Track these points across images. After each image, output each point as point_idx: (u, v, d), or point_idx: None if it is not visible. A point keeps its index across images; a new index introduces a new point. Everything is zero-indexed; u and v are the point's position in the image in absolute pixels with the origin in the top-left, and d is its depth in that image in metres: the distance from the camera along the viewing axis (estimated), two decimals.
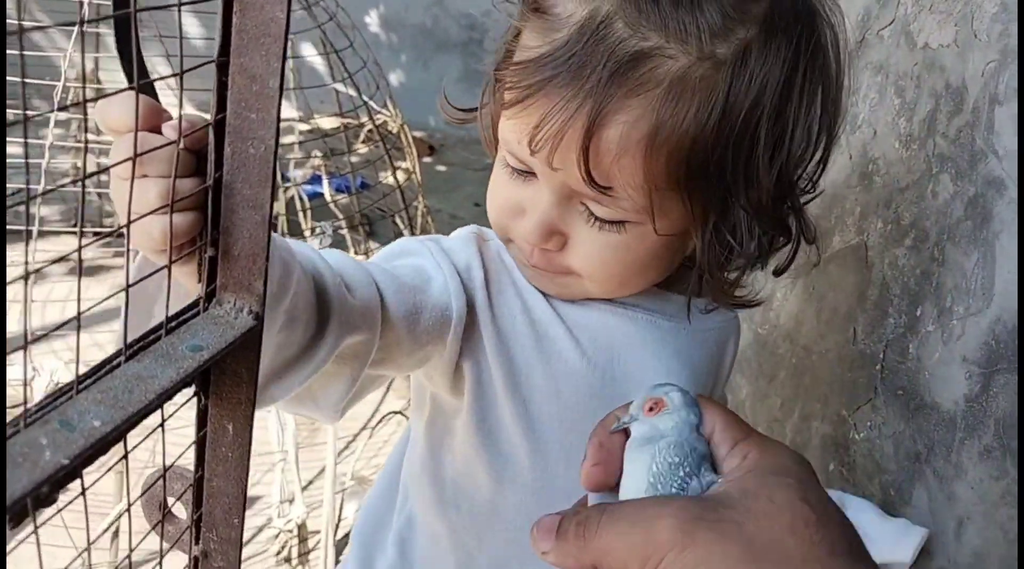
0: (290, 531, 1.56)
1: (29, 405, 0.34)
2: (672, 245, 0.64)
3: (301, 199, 2.73)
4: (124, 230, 0.41)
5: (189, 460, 0.48)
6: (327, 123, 3.65)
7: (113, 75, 2.81)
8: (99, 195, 2.75)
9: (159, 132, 0.41)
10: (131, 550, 0.50)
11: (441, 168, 4.28)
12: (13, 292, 2.53)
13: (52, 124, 2.16)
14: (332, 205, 2.63)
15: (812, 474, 0.46)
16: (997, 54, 0.82)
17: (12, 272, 2.70)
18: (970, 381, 0.81)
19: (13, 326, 2.39)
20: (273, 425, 1.72)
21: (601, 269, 0.64)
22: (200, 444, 0.46)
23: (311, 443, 2.04)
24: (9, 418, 0.32)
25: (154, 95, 0.55)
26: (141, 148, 0.38)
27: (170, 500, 0.49)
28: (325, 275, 0.53)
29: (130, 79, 0.43)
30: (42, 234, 2.20)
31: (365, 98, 1.88)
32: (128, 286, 0.39)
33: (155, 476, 0.49)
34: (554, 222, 0.62)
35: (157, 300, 0.45)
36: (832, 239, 1.06)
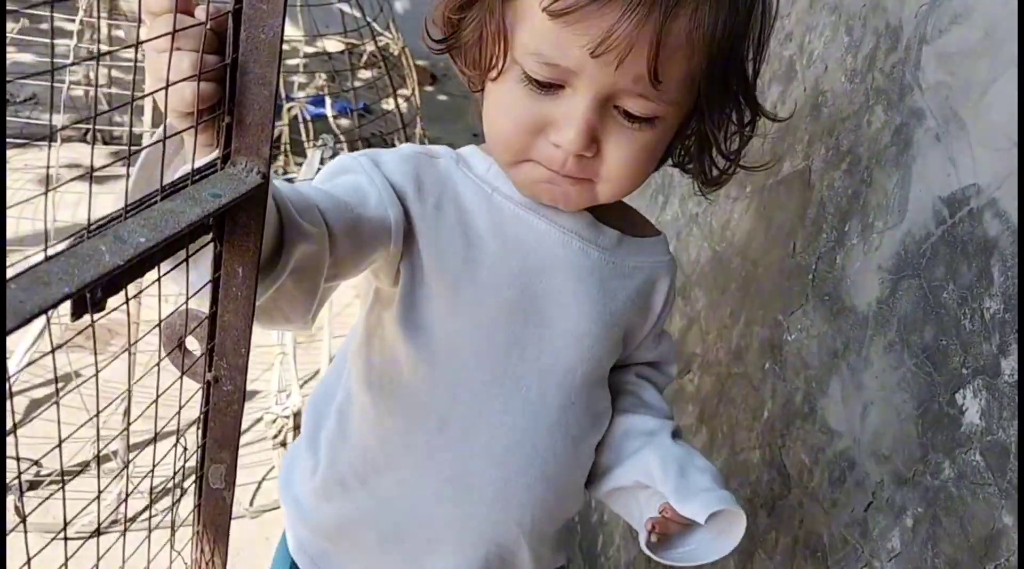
0: (287, 418, 1.70)
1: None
2: (665, 145, 0.74)
3: (304, 119, 2.82)
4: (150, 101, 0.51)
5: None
6: (332, 46, 3.71)
7: None
8: (109, 104, 2.84)
9: (191, 15, 0.50)
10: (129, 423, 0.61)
11: (443, 98, 4.34)
12: (25, 196, 2.63)
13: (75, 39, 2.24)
14: (334, 126, 2.73)
15: None
16: None
17: (30, 174, 2.80)
18: (882, 286, 0.94)
19: (28, 226, 2.50)
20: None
21: (628, 170, 0.70)
22: (214, 285, 0.54)
23: (308, 342, 2.17)
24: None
25: None
26: (178, 26, 0.47)
27: (189, 339, 0.57)
28: (278, 196, 0.58)
29: None
30: (57, 140, 2.29)
31: (368, 19, 1.96)
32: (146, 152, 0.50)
33: (175, 316, 0.57)
34: (594, 127, 0.67)
35: (157, 168, 0.53)
36: (783, 165, 1.18)
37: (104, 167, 0.47)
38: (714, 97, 0.71)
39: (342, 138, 2.87)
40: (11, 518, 1.64)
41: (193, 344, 0.57)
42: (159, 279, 0.49)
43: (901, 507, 0.87)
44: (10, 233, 2.43)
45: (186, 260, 0.51)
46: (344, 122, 3.09)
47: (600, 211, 0.80)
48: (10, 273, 0.37)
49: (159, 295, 0.50)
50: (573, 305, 0.79)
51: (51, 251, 0.40)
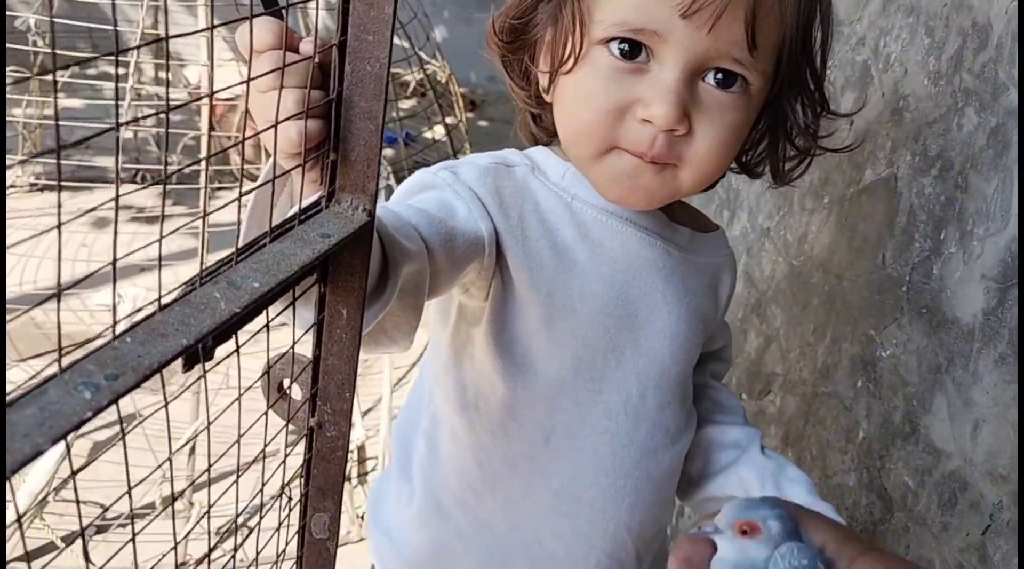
0: (350, 452, 1.68)
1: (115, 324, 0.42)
2: (747, 130, 0.72)
3: None
4: (244, 142, 0.49)
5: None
6: None
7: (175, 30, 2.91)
8: (157, 145, 2.87)
9: (295, 50, 0.48)
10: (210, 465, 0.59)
11: (483, 123, 4.35)
12: (82, 237, 2.66)
13: (129, 83, 2.27)
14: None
15: None
16: None
17: (82, 218, 2.84)
18: (987, 296, 0.89)
19: (83, 267, 2.53)
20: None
21: (717, 150, 0.68)
22: (318, 327, 0.52)
23: (367, 373, 2.15)
24: (97, 341, 0.37)
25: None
26: (280, 64, 0.45)
27: (286, 381, 0.55)
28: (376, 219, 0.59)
29: (266, 6, 0.51)
30: (106, 182, 2.31)
31: (416, 49, 1.96)
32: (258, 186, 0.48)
33: (275, 361, 0.54)
34: (685, 100, 0.65)
35: (266, 209, 0.52)
36: (864, 172, 1.13)
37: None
38: (793, 75, 0.70)
39: (389, 169, 2.88)
40: (81, 565, 1.62)
41: (295, 389, 0.55)
42: (267, 324, 0.46)
43: None
44: (65, 275, 2.45)
45: (292, 303, 0.49)
46: (388, 152, 3.09)
47: (669, 211, 0.80)
48: (117, 324, 0.35)
49: (267, 340, 0.48)
50: (663, 306, 0.78)
51: (165, 299, 0.38)
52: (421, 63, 2.03)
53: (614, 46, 0.65)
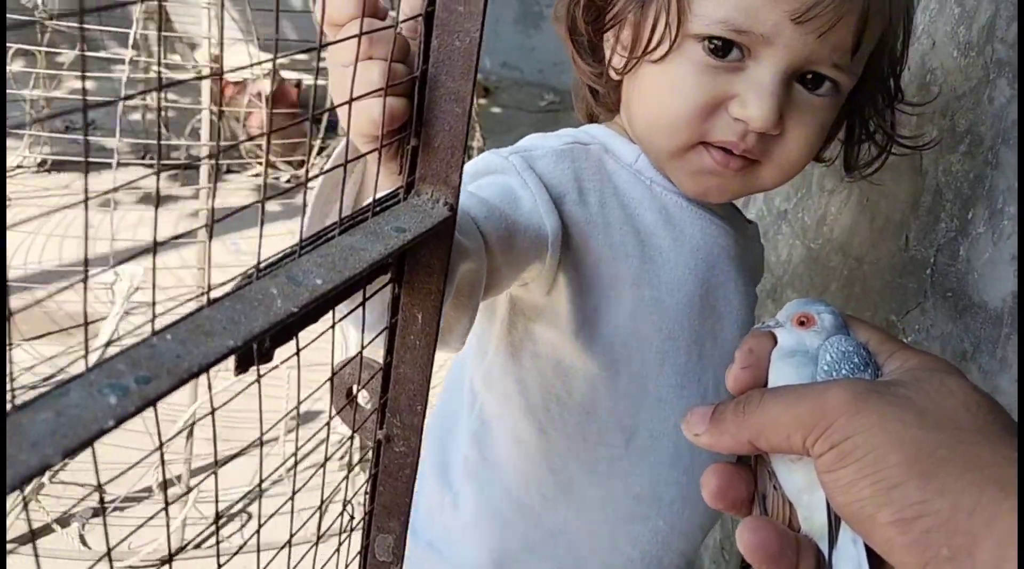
0: (350, 439, 1.64)
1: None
2: (830, 127, 0.70)
3: None
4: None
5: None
6: None
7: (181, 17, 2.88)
8: (166, 127, 2.84)
9: (381, 19, 0.44)
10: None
11: (496, 110, 4.31)
12: (89, 217, 2.63)
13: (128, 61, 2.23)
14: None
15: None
16: None
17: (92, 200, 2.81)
18: (1017, 278, 0.84)
19: (89, 247, 2.50)
20: (338, 343, 1.80)
21: (804, 150, 0.66)
22: (390, 332, 0.48)
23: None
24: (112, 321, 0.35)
25: None
26: (365, 33, 0.40)
27: (355, 387, 0.50)
28: None
29: None
30: (114, 165, 2.29)
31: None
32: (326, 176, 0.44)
33: (343, 365, 0.49)
34: (782, 102, 0.63)
35: (333, 206, 0.48)
36: None
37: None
38: (879, 72, 0.70)
39: None
40: (78, 547, 1.60)
41: (364, 397, 0.51)
42: (333, 326, 0.42)
43: None
44: (74, 255, 2.43)
45: (363, 304, 0.44)
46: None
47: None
48: (156, 322, 0.31)
49: (332, 342, 0.43)
50: (735, 295, 0.76)
51: (215, 293, 0.33)
52: None
53: (709, 42, 0.62)
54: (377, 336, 0.47)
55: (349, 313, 0.43)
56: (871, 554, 0.41)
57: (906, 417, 0.39)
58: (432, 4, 0.40)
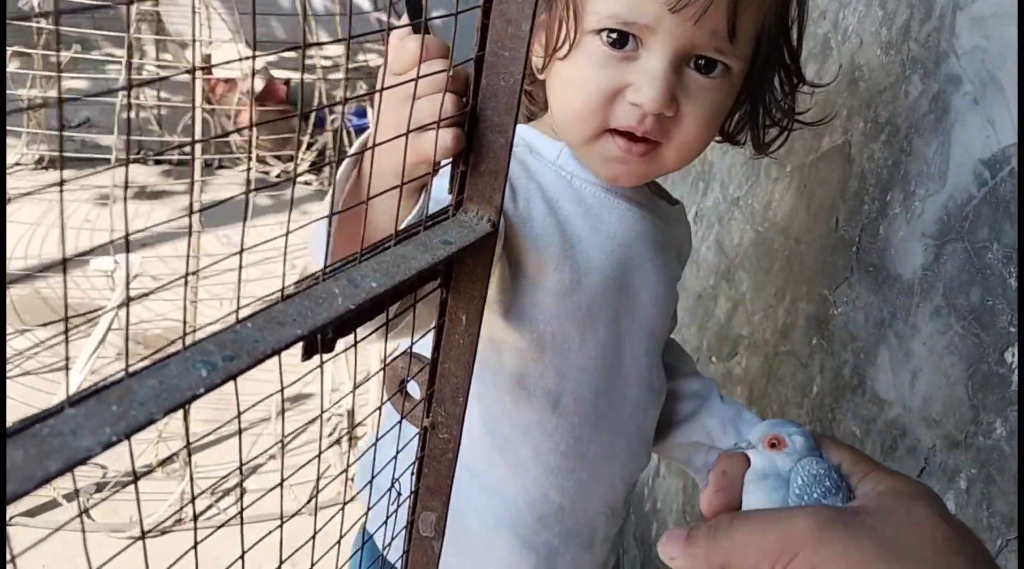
0: (340, 415, 1.74)
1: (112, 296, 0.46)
2: (728, 109, 0.77)
3: (348, 131, 2.87)
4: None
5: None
6: (374, 61, 3.76)
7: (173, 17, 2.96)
8: (159, 124, 2.93)
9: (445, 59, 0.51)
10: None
11: None
12: (85, 211, 2.72)
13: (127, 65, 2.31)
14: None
15: (943, 503, 0.47)
16: None
17: (84, 194, 2.91)
18: (926, 252, 0.94)
19: (86, 238, 2.59)
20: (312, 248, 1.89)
21: (701, 129, 0.72)
22: (437, 331, 0.54)
23: (361, 349, 2.21)
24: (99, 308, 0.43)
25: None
26: (428, 78, 0.47)
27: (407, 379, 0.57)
28: None
29: (413, 17, 0.55)
30: (107, 161, 2.37)
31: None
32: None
33: (398, 358, 0.56)
34: (673, 85, 0.69)
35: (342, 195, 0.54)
36: (823, 140, 1.18)
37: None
38: (771, 55, 0.75)
39: None
40: (74, 516, 1.69)
41: (414, 388, 0.57)
42: (387, 323, 0.48)
43: (954, 470, 0.87)
44: (70, 247, 2.52)
45: (413, 305, 0.51)
46: None
47: (650, 184, 0.86)
48: (235, 312, 0.37)
49: (385, 338, 0.50)
50: (652, 275, 0.84)
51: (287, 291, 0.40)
52: None
53: (605, 36, 0.69)
54: (425, 334, 0.52)
55: (400, 312, 0.50)
56: None
57: (870, 548, 0.40)
58: (482, 49, 0.46)
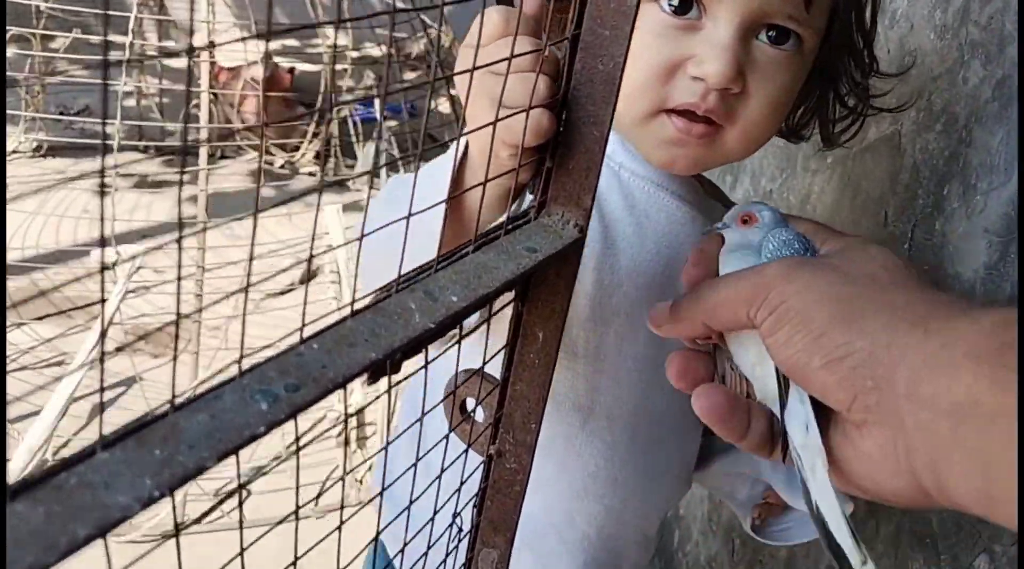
0: (350, 415, 1.68)
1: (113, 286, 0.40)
2: (797, 90, 0.70)
3: (354, 123, 2.81)
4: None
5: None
6: (377, 52, 3.70)
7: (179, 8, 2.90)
8: (160, 113, 2.86)
9: (536, 37, 0.44)
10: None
11: None
12: (84, 201, 2.66)
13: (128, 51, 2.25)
14: (384, 127, 2.71)
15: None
16: None
17: (84, 183, 2.84)
18: (990, 250, 0.88)
19: (84, 232, 2.53)
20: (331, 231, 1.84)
21: (769, 110, 0.65)
22: (509, 349, 0.48)
23: None
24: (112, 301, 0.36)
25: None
26: (517, 50, 0.40)
27: (471, 401, 0.51)
28: None
29: None
30: (108, 150, 2.31)
31: (420, 14, 1.95)
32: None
33: (462, 377, 0.50)
34: (740, 58, 0.62)
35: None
36: (869, 130, 1.12)
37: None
38: (845, 33, 0.70)
39: (392, 139, 2.85)
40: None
41: (479, 412, 0.51)
42: (459, 339, 0.43)
43: None
44: (68, 238, 2.45)
45: (488, 319, 0.45)
46: (392, 123, 3.07)
47: (701, 182, 0.79)
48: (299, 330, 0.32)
49: (458, 352, 0.45)
50: None
51: (357, 305, 0.35)
52: (425, 27, 2.01)
53: (665, 2, 0.62)
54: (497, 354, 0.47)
55: (476, 328, 0.45)
56: (817, 411, 0.46)
57: (831, 278, 0.45)
58: (579, 27, 0.40)
